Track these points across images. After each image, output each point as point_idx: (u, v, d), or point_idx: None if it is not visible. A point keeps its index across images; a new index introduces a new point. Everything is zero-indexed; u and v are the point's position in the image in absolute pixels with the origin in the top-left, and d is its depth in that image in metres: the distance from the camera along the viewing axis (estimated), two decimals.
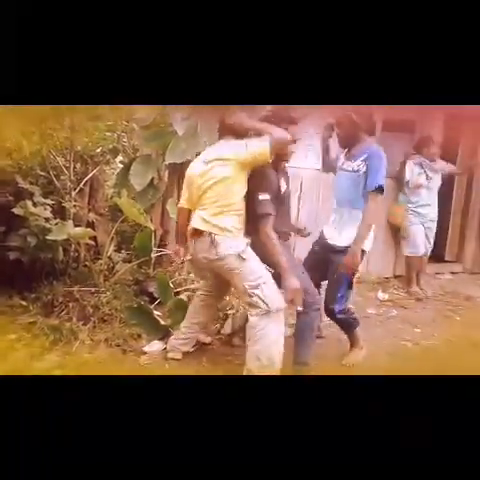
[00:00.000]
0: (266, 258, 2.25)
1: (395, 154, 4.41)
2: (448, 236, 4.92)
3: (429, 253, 4.35)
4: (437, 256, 4.66)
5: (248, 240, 2.25)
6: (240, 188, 2.24)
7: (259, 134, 2.24)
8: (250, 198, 2.26)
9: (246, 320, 2.32)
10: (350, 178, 2.56)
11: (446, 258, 5.03)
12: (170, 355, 2.59)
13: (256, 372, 2.18)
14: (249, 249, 2.23)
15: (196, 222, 2.27)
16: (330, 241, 2.62)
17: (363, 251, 2.56)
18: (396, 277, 4.56)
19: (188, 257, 2.79)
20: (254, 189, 2.24)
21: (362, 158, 2.52)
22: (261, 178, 2.27)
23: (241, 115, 2.30)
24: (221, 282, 2.50)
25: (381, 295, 4.10)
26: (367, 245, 2.58)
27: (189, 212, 2.43)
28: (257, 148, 2.17)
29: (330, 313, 2.64)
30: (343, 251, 2.51)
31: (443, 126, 4.54)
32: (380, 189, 2.47)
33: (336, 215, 2.66)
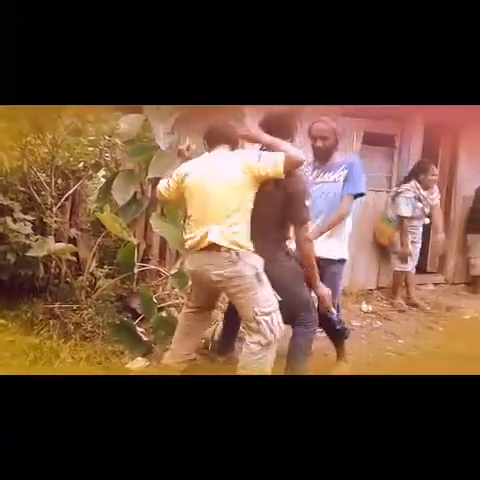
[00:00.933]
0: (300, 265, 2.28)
1: (375, 168, 4.50)
2: (429, 247, 5.00)
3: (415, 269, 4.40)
4: (419, 267, 4.72)
5: (262, 260, 2.14)
6: (250, 201, 2.14)
7: (272, 149, 2.16)
8: (286, 205, 2.18)
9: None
10: (331, 189, 2.61)
11: (428, 269, 5.10)
12: (169, 373, 2.37)
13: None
14: (264, 273, 2.13)
15: (215, 237, 2.08)
16: (318, 253, 2.62)
17: (343, 260, 2.64)
18: (379, 289, 4.60)
19: (173, 272, 2.75)
20: (298, 194, 2.19)
21: (341, 168, 2.59)
22: (305, 183, 2.28)
23: (254, 128, 2.25)
24: (212, 299, 2.40)
25: (365, 307, 4.12)
26: (345, 253, 2.65)
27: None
28: (271, 163, 2.08)
29: (328, 324, 2.62)
30: (331, 261, 2.56)
31: (423, 140, 4.64)
32: (359, 196, 2.61)
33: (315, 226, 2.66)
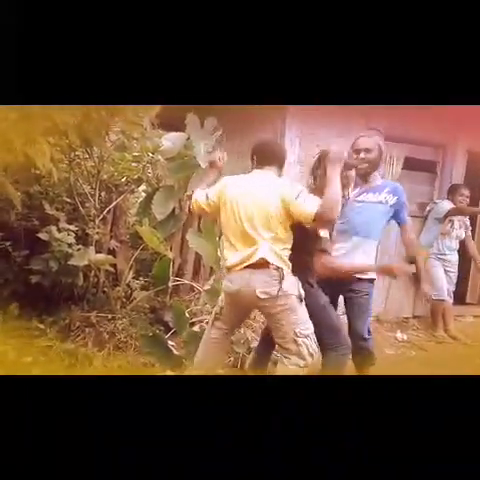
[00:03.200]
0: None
1: (415, 194, 4.42)
2: (469, 278, 4.82)
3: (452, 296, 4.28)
4: (458, 298, 4.55)
5: (300, 282, 2.12)
6: (288, 226, 2.10)
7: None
8: (304, 232, 2.13)
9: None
10: (375, 210, 2.61)
11: (467, 300, 4.91)
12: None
13: None
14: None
15: (266, 253, 2.05)
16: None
17: (372, 279, 2.61)
18: (415, 317, 4.47)
19: (206, 287, 2.75)
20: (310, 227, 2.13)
21: (386, 190, 2.60)
22: None
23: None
24: (242, 318, 2.39)
25: (400, 336, 4.00)
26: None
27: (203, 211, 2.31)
28: (303, 208, 2.00)
29: (361, 344, 2.57)
30: (360, 279, 2.54)
31: (466, 167, 4.53)
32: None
33: (347, 245, 2.63)
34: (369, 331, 2.64)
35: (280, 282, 2.04)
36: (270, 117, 3.94)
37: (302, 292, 2.11)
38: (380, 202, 2.61)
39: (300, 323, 2.10)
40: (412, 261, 2.79)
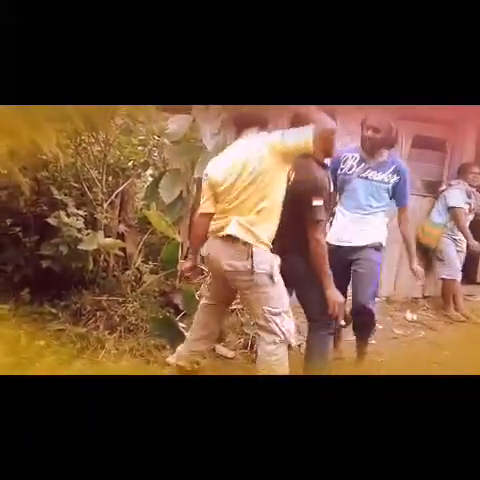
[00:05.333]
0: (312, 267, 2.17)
1: (425, 172, 4.37)
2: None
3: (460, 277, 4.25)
4: (469, 278, 4.52)
5: (279, 261, 2.09)
6: (280, 187, 2.04)
7: (300, 121, 2.02)
8: (297, 203, 2.10)
9: None
10: (376, 188, 2.59)
11: (478, 280, 4.87)
12: (180, 363, 2.38)
13: None
14: (278, 271, 2.08)
15: (233, 229, 2.03)
16: (348, 244, 2.63)
17: (378, 245, 2.64)
18: (425, 298, 4.45)
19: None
20: (304, 193, 2.10)
21: (391, 169, 2.56)
22: (313, 181, 2.12)
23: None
24: (227, 293, 2.30)
25: (409, 316, 4.00)
26: (379, 238, 2.65)
27: (210, 218, 2.19)
28: (297, 137, 1.94)
29: (363, 313, 2.57)
30: (364, 247, 2.57)
31: (476, 145, 4.45)
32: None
33: (348, 219, 2.66)
34: (375, 303, 2.64)
35: (247, 258, 2.00)
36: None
37: (274, 271, 2.04)
38: (382, 181, 2.59)
39: (271, 300, 2.06)
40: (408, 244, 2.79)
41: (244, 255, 2.02)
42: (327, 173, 2.25)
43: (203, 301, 2.40)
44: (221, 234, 2.09)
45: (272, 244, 2.11)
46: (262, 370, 2.13)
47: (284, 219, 2.11)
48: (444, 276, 4.17)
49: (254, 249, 2.01)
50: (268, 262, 2.04)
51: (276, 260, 2.08)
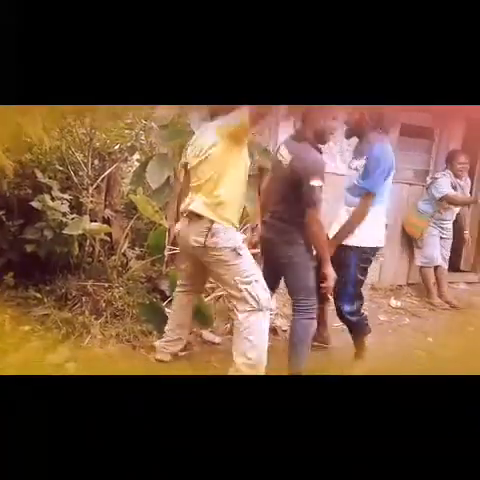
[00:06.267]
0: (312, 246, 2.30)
1: (412, 161, 4.39)
2: (464, 246, 4.85)
3: (447, 264, 4.31)
4: (452, 265, 4.60)
5: (245, 236, 2.27)
6: (238, 167, 2.17)
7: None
8: (295, 185, 2.19)
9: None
10: (353, 177, 2.53)
11: (462, 267, 4.96)
12: (158, 356, 2.51)
13: (244, 371, 2.16)
14: (244, 245, 2.22)
15: (197, 206, 2.19)
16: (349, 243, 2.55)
17: (377, 248, 2.56)
18: (410, 285, 4.51)
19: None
20: (304, 174, 2.17)
21: (365, 157, 2.46)
22: (313, 163, 2.21)
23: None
24: (199, 272, 2.41)
25: (394, 302, 4.06)
26: (381, 240, 2.57)
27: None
28: (236, 115, 2.08)
29: (339, 313, 2.60)
30: (351, 248, 2.49)
31: (464, 134, 4.48)
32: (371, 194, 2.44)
33: (346, 214, 2.60)
34: (354, 306, 2.55)
35: (210, 235, 2.13)
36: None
37: (239, 245, 2.17)
38: (355, 168, 2.52)
39: (240, 272, 2.17)
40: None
41: (208, 232, 2.15)
42: (322, 157, 2.31)
43: (177, 289, 2.55)
44: (186, 211, 2.25)
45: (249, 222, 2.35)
46: (236, 339, 2.20)
47: (282, 203, 2.28)
48: (420, 263, 4.24)
49: (217, 225, 2.14)
50: (232, 238, 2.17)
51: (240, 236, 2.23)
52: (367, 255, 2.53)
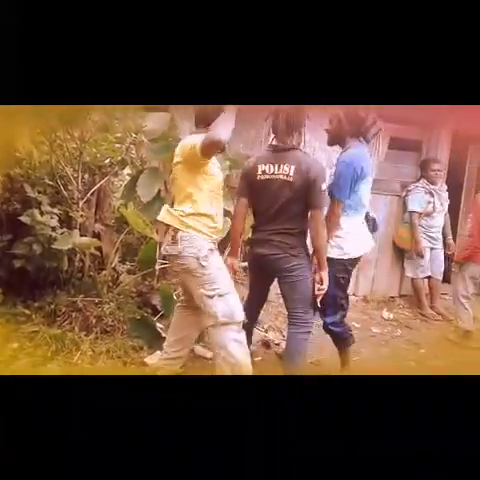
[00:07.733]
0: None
1: (401, 173, 4.44)
2: (454, 256, 4.87)
3: (441, 275, 4.32)
4: (443, 276, 4.61)
5: (213, 246, 2.18)
6: (204, 180, 2.16)
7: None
8: (304, 191, 2.23)
9: None
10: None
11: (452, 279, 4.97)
12: (158, 373, 2.40)
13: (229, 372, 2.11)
14: (213, 258, 2.15)
15: (161, 215, 2.24)
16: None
17: (355, 259, 2.51)
18: (402, 296, 4.52)
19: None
20: (315, 179, 2.23)
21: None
22: (321, 169, 2.29)
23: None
24: (183, 286, 2.42)
25: (386, 314, 4.06)
26: (358, 250, 2.50)
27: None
28: (192, 143, 2.06)
29: (323, 325, 2.57)
30: (327, 260, 2.36)
31: (450, 147, 4.55)
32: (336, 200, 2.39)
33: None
34: (337, 317, 2.50)
35: (175, 243, 2.14)
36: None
37: (203, 255, 2.11)
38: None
39: (205, 284, 2.13)
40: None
41: (172, 240, 2.17)
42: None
43: (177, 303, 2.50)
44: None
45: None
46: (214, 355, 2.20)
47: (290, 218, 2.29)
48: (409, 275, 4.27)
49: (182, 234, 2.14)
50: (196, 246, 2.13)
51: (205, 246, 2.15)
52: (344, 267, 2.47)
